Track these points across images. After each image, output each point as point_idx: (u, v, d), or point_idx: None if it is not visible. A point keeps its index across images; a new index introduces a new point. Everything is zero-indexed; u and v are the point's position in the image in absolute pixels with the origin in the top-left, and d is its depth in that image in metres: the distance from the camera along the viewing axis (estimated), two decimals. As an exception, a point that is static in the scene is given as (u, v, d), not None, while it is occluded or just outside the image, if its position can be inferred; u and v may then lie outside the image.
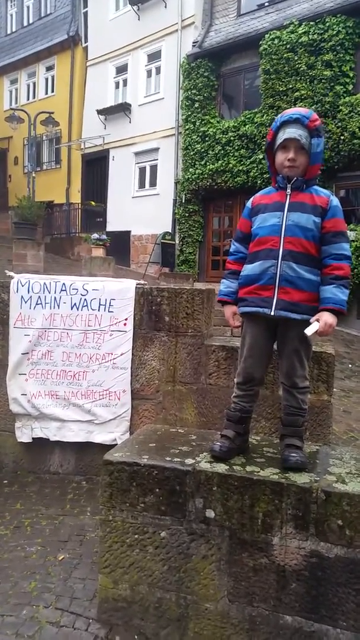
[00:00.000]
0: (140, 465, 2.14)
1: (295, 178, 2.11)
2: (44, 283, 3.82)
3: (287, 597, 1.97)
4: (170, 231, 14.30)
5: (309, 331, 2.03)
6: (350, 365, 8.43)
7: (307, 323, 2.07)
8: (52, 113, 14.92)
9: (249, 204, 2.33)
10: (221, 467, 2.08)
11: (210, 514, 2.04)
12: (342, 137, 10.52)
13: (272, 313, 2.08)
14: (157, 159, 15.21)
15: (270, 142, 2.18)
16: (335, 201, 2.16)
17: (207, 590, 2.08)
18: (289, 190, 2.14)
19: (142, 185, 15.86)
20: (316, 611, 1.93)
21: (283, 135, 2.09)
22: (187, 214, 13.91)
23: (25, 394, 3.76)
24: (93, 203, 16.56)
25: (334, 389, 5.87)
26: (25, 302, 3.80)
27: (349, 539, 1.87)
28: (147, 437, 2.52)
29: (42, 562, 2.70)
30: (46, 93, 19.49)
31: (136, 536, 2.15)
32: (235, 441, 2.22)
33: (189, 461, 2.15)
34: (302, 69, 11.25)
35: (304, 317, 2.08)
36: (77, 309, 3.76)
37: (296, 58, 11.34)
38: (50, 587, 2.49)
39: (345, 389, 7.21)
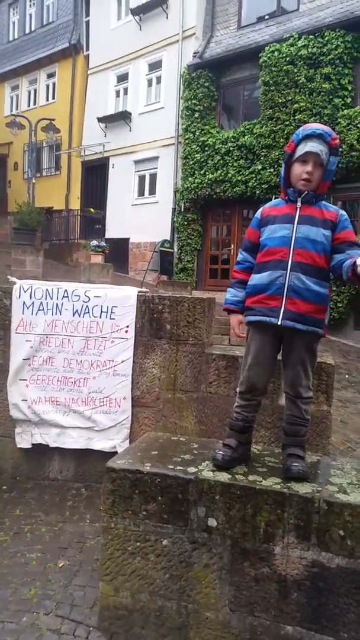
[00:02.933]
0: (142, 473, 2.16)
1: (306, 192, 2.15)
2: (46, 289, 3.83)
3: (289, 607, 1.98)
4: (169, 239, 14.36)
5: None
6: (347, 376, 8.47)
7: (313, 334, 2.09)
8: (53, 120, 15.00)
9: (257, 214, 2.36)
10: (224, 476, 2.10)
11: (212, 522, 2.05)
12: (340, 149, 10.61)
13: (279, 323, 2.11)
14: (156, 168, 15.30)
15: (290, 154, 2.19)
16: (344, 215, 2.22)
17: (209, 599, 2.08)
18: (299, 204, 2.18)
19: (141, 193, 15.94)
20: (317, 622, 1.94)
21: (304, 148, 2.12)
22: (185, 223, 13.98)
23: (26, 400, 3.76)
24: (92, 210, 16.61)
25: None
26: (27, 308, 3.82)
27: (351, 550, 1.89)
28: (149, 444, 2.53)
29: (42, 568, 2.70)
30: (47, 100, 19.59)
31: (138, 544, 2.16)
32: (238, 450, 2.24)
33: (192, 469, 2.16)
34: (301, 81, 11.37)
35: (310, 328, 2.11)
36: (79, 315, 3.77)
37: (295, 70, 11.46)
38: (51, 594, 2.49)
39: (342, 399, 7.23)
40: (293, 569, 1.96)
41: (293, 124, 11.32)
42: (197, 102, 13.57)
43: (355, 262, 1.93)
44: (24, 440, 3.82)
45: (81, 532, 3.09)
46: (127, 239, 15.70)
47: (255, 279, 2.25)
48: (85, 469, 3.83)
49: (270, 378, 2.34)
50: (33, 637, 2.19)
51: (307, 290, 2.10)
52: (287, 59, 11.57)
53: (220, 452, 2.20)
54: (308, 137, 2.12)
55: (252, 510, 1.99)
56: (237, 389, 2.34)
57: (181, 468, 2.17)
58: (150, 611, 2.17)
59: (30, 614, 2.33)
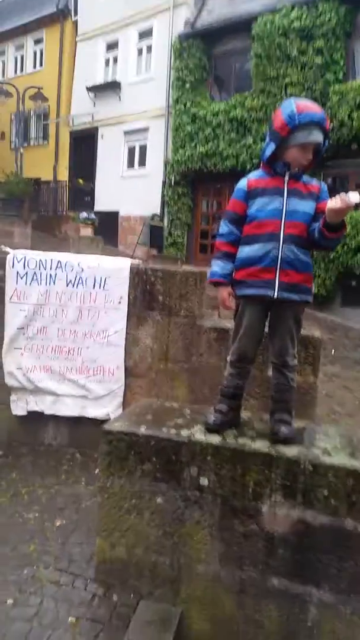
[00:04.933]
0: (138, 435, 2.26)
1: (296, 169, 2.21)
2: (40, 259, 3.88)
3: (275, 561, 2.12)
4: (158, 213, 14.28)
5: (353, 196, 1.94)
6: (333, 351, 8.65)
7: (303, 304, 2.21)
8: (41, 88, 14.67)
9: (243, 186, 2.32)
10: (215, 439, 2.21)
11: (204, 482, 2.17)
12: (330, 125, 10.57)
13: (275, 295, 2.18)
14: (146, 139, 15.10)
15: (284, 136, 2.15)
16: (325, 187, 2.29)
17: (200, 554, 2.22)
18: (287, 177, 2.23)
19: (131, 164, 15.75)
20: (301, 575, 2.09)
21: (308, 136, 2.12)
22: (176, 196, 13.90)
23: (21, 368, 3.84)
24: (81, 181, 16.40)
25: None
26: (21, 278, 3.86)
27: (334, 508, 2.02)
28: (144, 410, 2.63)
29: (40, 527, 2.83)
30: (34, 67, 19.07)
31: (133, 502, 2.28)
32: (228, 415, 2.35)
33: (185, 432, 2.27)
34: (293, 54, 11.23)
35: (302, 297, 2.21)
36: (73, 286, 3.83)
37: (288, 43, 11.31)
38: (49, 550, 2.62)
39: (328, 374, 7.41)
40: (279, 526, 2.09)
41: (284, 97, 11.22)
42: (188, 73, 13.36)
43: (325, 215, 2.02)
44: (19, 407, 3.91)
45: (77, 494, 3.22)
46: (117, 212, 15.56)
47: (246, 251, 2.27)
48: (79, 435, 3.95)
49: (259, 347, 2.41)
50: (34, 588, 2.32)
51: (299, 261, 2.19)
52: (280, 30, 11.40)
53: (212, 417, 2.31)
54: (308, 124, 2.10)
55: (241, 471, 2.11)
56: (228, 358, 2.43)
57: (175, 431, 2.28)
58: (145, 565, 2.30)
59: (30, 568, 2.47)
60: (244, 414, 2.66)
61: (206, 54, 13.38)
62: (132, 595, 2.31)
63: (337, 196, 1.98)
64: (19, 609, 2.20)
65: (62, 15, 17.60)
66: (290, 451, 2.11)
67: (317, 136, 2.13)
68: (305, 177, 2.26)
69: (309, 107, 2.15)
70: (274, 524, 2.09)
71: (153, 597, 2.29)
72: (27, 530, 2.80)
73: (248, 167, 11.78)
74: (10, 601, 2.23)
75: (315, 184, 2.26)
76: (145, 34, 15.20)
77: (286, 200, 2.19)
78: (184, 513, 2.21)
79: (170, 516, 2.23)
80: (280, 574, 2.09)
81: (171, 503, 2.23)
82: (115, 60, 16.21)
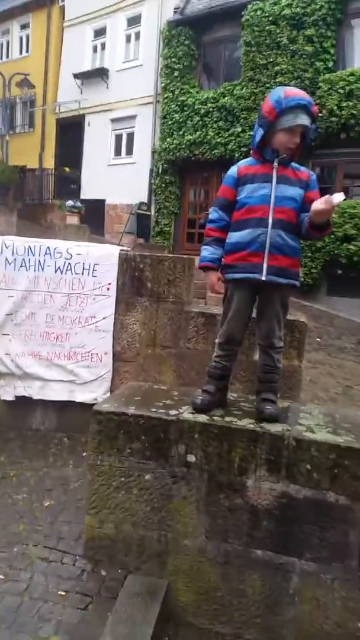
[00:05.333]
0: (127, 415, 2.32)
1: (284, 155, 2.25)
2: (29, 246, 3.89)
3: (259, 533, 2.19)
4: (146, 201, 14.25)
5: (337, 198, 2.02)
6: (318, 339, 8.79)
7: (289, 287, 2.27)
8: (28, 75, 14.48)
9: (233, 173, 2.38)
10: (202, 418, 2.27)
11: (191, 458, 2.23)
12: (320, 115, 10.62)
13: (264, 278, 2.23)
14: (134, 127, 15.01)
15: (271, 121, 2.20)
16: (314, 176, 2.36)
17: (187, 528, 2.28)
18: (275, 164, 2.27)
19: (118, 153, 15.66)
20: (285, 546, 2.16)
21: (295, 119, 2.16)
22: (163, 185, 13.87)
23: (9, 354, 3.86)
24: (67, 169, 16.27)
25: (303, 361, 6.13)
26: (10, 264, 3.87)
27: (316, 482, 2.09)
28: (133, 392, 2.68)
29: (29, 508, 2.87)
30: (20, 53, 18.78)
31: (122, 479, 2.33)
32: (215, 396, 2.41)
33: (173, 412, 2.33)
34: (283, 42, 11.22)
35: (289, 281, 2.27)
36: (61, 272, 3.85)
37: (278, 31, 11.28)
38: (38, 529, 2.67)
39: (313, 360, 7.54)
40: (264, 499, 2.16)
41: (274, 86, 11.18)
42: (177, 61, 13.28)
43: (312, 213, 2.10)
44: (7, 392, 3.94)
45: (65, 476, 3.27)
46: (103, 201, 15.49)
47: (236, 236, 2.33)
48: (67, 420, 3.99)
49: (246, 330, 2.47)
50: (24, 565, 2.37)
51: (287, 246, 2.24)
52: (270, 18, 11.36)
53: (200, 397, 2.37)
54: (295, 108, 2.16)
55: (227, 447, 2.18)
56: (216, 341, 2.49)
57: (163, 411, 2.34)
58: (133, 540, 2.37)
59: (20, 545, 2.51)
60: (231, 395, 2.72)
61: (195, 41, 13.31)
62: (120, 570, 2.37)
63: (322, 198, 2.06)
64: (10, 584, 2.25)
65: (49, 0, 17.32)
66: (275, 428, 2.18)
67: (303, 119, 2.18)
68: (295, 164, 2.31)
69: (296, 92, 2.21)
70: (258, 498, 2.16)
71: (141, 571, 2.36)
72: (16, 511, 2.85)
73: (236, 155, 11.79)
74: (1, 576, 2.28)
75: (304, 171, 2.31)
76: (134, 21, 15.05)
77: (275, 186, 2.24)
78: (172, 489, 2.27)
79: (158, 492, 2.29)
80: (264, 545, 2.17)
81: (159, 480, 2.29)
82: (103, 46, 16.04)
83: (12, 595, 2.17)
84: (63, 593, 2.22)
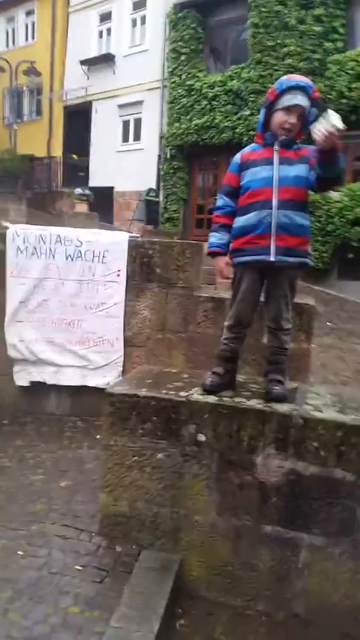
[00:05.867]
0: (139, 397, 2.38)
1: (283, 137, 2.28)
2: (40, 234, 3.95)
3: (268, 509, 2.26)
4: (154, 188, 14.22)
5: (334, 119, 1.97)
6: (328, 323, 8.79)
7: (301, 266, 2.30)
8: (34, 62, 14.43)
9: (237, 159, 2.44)
10: (212, 398, 2.33)
11: (201, 438, 2.30)
12: (329, 97, 10.51)
13: (273, 259, 2.27)
14: (141, 112, 14.95)
15: (271, 101, 2.28)
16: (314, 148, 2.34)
17: (198, 505, 2.35)
18: (277, 147, 2.31)
19: (125, 139, 15.62)
20: (293, 521, 2.22)
21: (292, 99, 2.21)
22: (171, 171, 13.83)
23: (23, 340, 3.95)
24: (75, 157, 16.27)
25: (313, 345, 6.19)
26: (21, 252, 3.94)
27: (324, 459, 2.15)
28: (144, 375, 2.75)
29: (45, 488, 2.97)
30: (26, 40, 18.68)
31: (135, 458, 2.41)
32: (225, 377, 2.47)
33: (183, 394, 2.39)
34: (291, 23, 11.07)
35: (298, 259, 2.30)
36: (72, 259, 3.91)
37: (286, 11, 11.13)
38: (55, 508, 2.76)
39: (323, 344, 7.56)
40: (273, 476, 2.22)
41: (282, 68, 11.09)
42: (184, 44, 13.16)
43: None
44: (22, 378, 4.03)
45: (80, 457, 3.36)
46: (112, 188, 15.49)
47: (242, 220, 2.37)
48: (80, 403, 4.08)
49: (254, 312, 2.52)
50: (42, 541, 2.47)
51: (293, 225, 2.27)
52: (278, -2, 11.21)
53: (209, 379, 2.43)
54: (293, 88, 2.22)
55: (236, 427, 2.24)
56: (225, 323, 2.54)
57: (174, 392, 2.40)
58: (146, 517, 2.44)
59: (38, 524, 2.61)
60: (240, 377, 2.78)
61: (202, 24, 13.17)
62: (134, 546, 2.45)
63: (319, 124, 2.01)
64: (29, 559, 2.34)
65: (54, -15, 17.19)
66: (283, 407, 2.23)
67: (301, 100, 2.21)
68: (297, 146, 2.33)
69: (298, 76, 2.28)
70: (267, 475, 2.22)
71: (154, 547, 2.44)
72: (33, 491, 2.94)
73: (245, 139, 11.70)
74: (20, 552, 2.37)
75: (305, 148, 2.32)
76: (139, 4, 14.92)
77: (277, 168, 2.27)
78: (183, 467, 2.34)
79: (170, 471, 2.36)
80: (274, 521, 2.23)
81: (171, 458, 2.35)
82: (108, 32, 15.94)
83: (31, 570, 2.26)
84: (80, 568, 2.30)
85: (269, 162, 2.30)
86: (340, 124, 1.97)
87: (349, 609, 2.14)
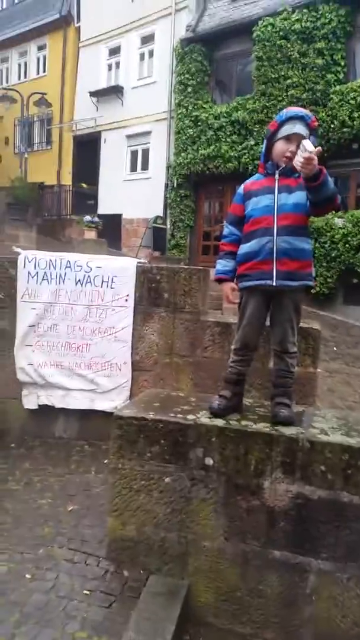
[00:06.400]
0: (147, 420, 2.41)
1: (284, 165, 2.36)
2: (50, 260, 4.04)
3: (276, 534, 2.26)
4: (161, 215, 14.45)
5: (307, 145, 2.10)
6: (335, 348, 8.79)
7: (302, 290, 2.36)
8: (45, 94, 14.89)
9: (240, 190, 2.57)
10: (219, 422, 2.36)
11: (209, 461, 2.31)
12: (332, 126, 10.75)
13: (275, 284, 2.34)
14: (149, 143, 15.30)
15: (272, 132, 2.39)
16: None
17: (206, 529, 2.36)
18: (277, 176, 2.40)
19: (133, 168, 15.95)
20: (301, 546, 2.22)
21: (292, 128, 2.31)
22: (178, 199, 14.08)
23: (32, 364, 4.00)
24: (85, 185, 16.60)
25: (319, 370, 6.19)
26: (32, 278, 4.02)
27: (331, 482, 2.16)
28: (151, 398, 2.78)
29: (53, 512, 2.97)
30: (37, 73, 19.33)
31: (143, 482, 2.42)
32: (232, 400, 2.50)
33: (190, 417, 2.42)
34: (294, 56, 11.40)
35: (301, 283, 2.36)
36: (81, 285, 3.99)
37: (289, 45, 11.48)
38: (63, 532, 2.77)
39: (330, 370, 7.56)
40: (280, 500, 2.23)
41: (286, 99, 11.39)
42: (190, 77, 13.54)
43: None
44: (30, 401, 4.07)
45: (87, 481, 3.37)
46: (120, 215, 15.76)
47: (245, 247, 2.47)
48: (88, 428, 4.09)
49: (260, 336, 2.58)
50: (50, 565, 2.47)
51: (294, 250, 2.34)
52: (281, 33, 11.57)
53: (216, 402, 2.46)
54: (292, 118, 2.33)
55: (244, 450, 2.25)
56: (232, 347, 2.59)
57: (181, 416, 2.43)
58: (154, 542, 2.44)
59: (45, 547, 2.61)
60: (247, 400, 2.81)
61: (208, 57, 13.58)
62: (142, 571, 2.44)
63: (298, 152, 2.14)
64: (37, 582, 2.34)
65: (65, 22, 17.87)
66: (289, 431, 2.25)
67: (300, 129, 2.30)
68: (297, 174, 2.41)
69: (294, 108, 2.41)
70: (275, 499, 2.22)
71: (162, 572, 2.43)
72: (41, 515, 2.95)
73: (250, 168, 11.94)
74: (28, 576, 2.38)
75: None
76: (147, 39, 15.43)
77: (277, 196, 2.36)
78: (191, 491, 2.35)
79: (177, 495, 2.38)
80: (281, 545, 2.23)
81: (178, 482, 2.37)
82: (117, 65, 16.44)
83: (39, 593, 2.26)
84: (88, 592, 2.30)
85: (271, 190, 2.40)
86: (312, 148, 2.09)
87: (358, 636, 2.12)
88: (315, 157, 2.10)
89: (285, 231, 2.33)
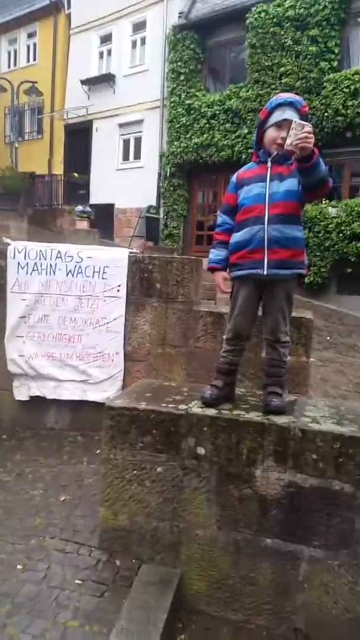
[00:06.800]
0: (139, 410, 2.40)
1: (276, 153, 2.34)
2: (40, 250, 3.99)
3: (268, 522, 2.26)
4: (154, 205, 14.37)
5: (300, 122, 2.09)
6: (328, 338, 8.81)
7: (294, 278, 2.34)
8: (36, 82, 14.69)
9: (233, 179, 2.54)
10: (211, 411, 2.35)
11: (201, 451, 2.31)
12: (325, 114, 10.68)
13: (265, 273, 2.32)
14: (141, 131, 15.16)
15: (263, 120, 2.38)
16: None
17: (198, 518, 2.36)
18: (269, 163, 2.38)
19: (126, 157, 15.81)
20: (293, 534, 2.23)
21: (281, 115, 2.28)
22: (171, 188, 13.98)
23: (23, 355, 3.97)
24: (76, 174, 16.46)
25: (312, 359, 6.19)
26: (22, 268, 3.98)
27: (322, 471, 2.16)
28: (143, 389, 2.77)
29: (45, 502, 2.97)
30: (28, 61, 19.04)
31: (135, 472, 2.42)
32: (224, 390, 2.49)
33: (182, 407, 2.41)
34: (288, 43, 11.29)
35: (293, 271, 2.35)
36: (72, 275, 3.96)
37: (282, 32, 11.36)
38: (54, 522, 2.76)
39: (323, 359, 7.57)
40: (272, 489, 2.23)
41: (279, 87, 11.28)
42: (183, 65, 13.40)
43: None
44: (21, 393, 4.05)
45: (79, 472, 3.36)
46: (112, 205, 15.64)
47: (237, 236, 2.45)
48: (80, 418, 4.08)
49: (252, 325, 2.57)
50: (41, 555, 2.47)
51: (285, 238, 2.32)
52: (274, 20, 11.45)
53: (208, 392, 2.45)
54: (281, 105, 2.31)
55: (235, 439, 2.25)
56: (224, 336, 2.58)
57: (173, 406, 2.42)
58: (146, 531, 2.45)
59: (37, 538, 2.61)
60: (239, 390, 2.80)
61: (200, 45, 13.43)
62: (134, 560, 2.45)
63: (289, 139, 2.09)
64: (28, 573, 2.34)
65: (55, 9, 17.57)
66: (281, 420, 2.25)
67: (290, 114, 2.27)
68: (289, 161, 2.39)
69: (284, 94, 2.38)
70: (267, 488, 2.22)
71: (154, 561, 2.43)
72: (32, 506, 2.94)
73: (243, 157, 11.87)
74: (19, 567, 2.37)
75: None
76: (139, 26, 15.22)
77: (269, 184, 2.34)
78: (183, 481, 2.35)
79: (169, 484, 2.37)
80: (273, 533, 2.23)
81: (170, 472, 2.36)
82: (109, 52, 16.23)
83: (30, 584, 2.26)
84: (80, 582, 2.30)
85: (263, 178, 2.37)
86: (304, 122, 2.09)
87: (350, 622, 2.13)
88: (312, 134, 2.07)
89: (277, 219, 2.31)
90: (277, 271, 2.32)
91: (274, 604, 2.24)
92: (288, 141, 2.11)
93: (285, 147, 2.15)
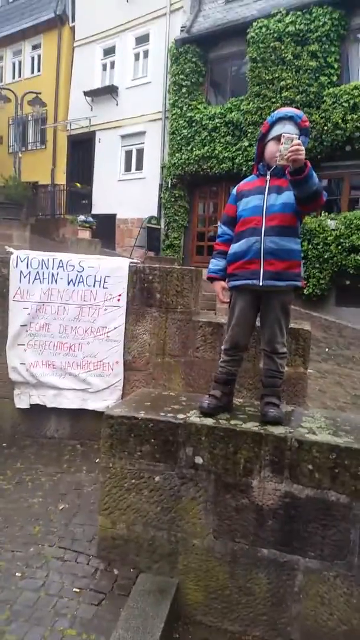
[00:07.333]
0: (137, 419, 2.43)
1: (275, 166, 2.39)
2: (42, 259, 4.04)
3: (265, 532, 2.28)
4: (156, 215, 14.47)
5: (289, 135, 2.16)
6: (327, 349, 8.84)
7: (290, 290, 2.37)
8: (40, 93, 14.85)
9: (233, 191, 2.62)
10: (209, 421, 2.38)
11: (198, 460, 2.33)
12: (325, 128, 10.80)
13: (261, 284, 2.36)
14: (143, 143, 15.32)
15: (264, 133, 2.43)
16: None
17: (195, 528, 2.38)
18: (268, 176, 2.43)
19: (128, 168, 15.96)
20: (289, 544, 2.24)
21: (281, 129, 2.33)
22: (172, 199, 14.10)
23: (24, 363, 4.00)
24: (79, 185, 16.58)
25: (311, 370, 6.21)
26: (24, 277, 4.02)
27: (318, 481, 2.18)
28: (142, 398, 2.80)
29: (44, 510, 2.98)
30: (32, 72, 19.27)
31: (133, 481, 2.44)
32: (222, 400, 2.52)
33: (181, 416, 2.44)
34: (288, 58, 11.45)
35: (288, 283, 2.38)
36: (74, 284, 4.00)
37: (283, 47, 11.53)
38: (53, 530, 2.77)
39: (322, 370, 7.60)
40: (268, 499, 2.25)
41: (279, 101, 11.43)
42: (185, 77, 13.58)
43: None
44: (22, 401, 4.07)
45: (78, 480, 3.38)
46: (114, 215, 15.76)
47: (235, 247, 2.51)
48: (80, 427, 4.11)
49: (250, 336, 2.61)
50: (40, 563, 2.48)
51: (282, 250, 2.36)
52: (275, 35, 11.62)
53: (206, 401, 2.48)
54: (282, 119, 2.36)
55: (233, 449, 2.28)
56: (222, 347, 2.61)
57: (171, 415, 2.45)
58: (144, 540, 2.46)
59: (36, 546, 2.62)
60: (237, 400, 2.83)
61: (202, 58, 13.62)
62: (132, 569, 2.46)
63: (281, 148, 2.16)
64: (27, 581, 2.35)
65: (60, 21, 17.82)
66: (278, 430, 2.27)
67: (289, 129, 2.32)
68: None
69: (285, 108, 2.44)
70: (263, 498, 2.25)
71: (152, 571, 2.45)
72: (31, 513, 2.95)
73: (244, 169, 11.99)
74: (18, 574, 2.39)
75: None
76: (142, 39, 15.44)
77: (267, 196, 2.39)
78: (180, 490, 2.37)
79: (167, 493, 2.39)
80: (270, 544, 2.25)
81: (168, 481, 2.39)
82: (112, 65, 16.44)
83: (29, 592, 2.27)
84: (77, 590, 2.31)
85: (261, 191, 2.43)
86: (294, 135, 2.17)
87: (345, 634, 2.14)
88: (302, 146, 2.13)
89: (273, 231, 2.36)
90: (272, 282, 2.36)
91: (270, 615, 2.25)
92: (278, 155, 2.18)
93: (277, 162, 2.21)
